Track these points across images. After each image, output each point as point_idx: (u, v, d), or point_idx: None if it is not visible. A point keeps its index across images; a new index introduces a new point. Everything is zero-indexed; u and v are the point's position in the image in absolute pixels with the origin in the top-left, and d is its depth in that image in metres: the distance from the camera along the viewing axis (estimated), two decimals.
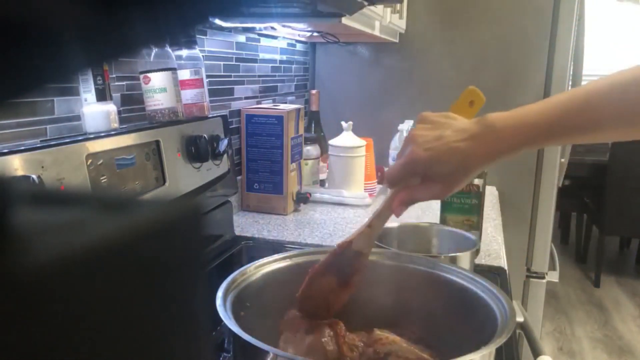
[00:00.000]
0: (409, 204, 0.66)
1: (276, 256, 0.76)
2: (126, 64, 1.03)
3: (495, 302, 0.65)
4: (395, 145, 1.73)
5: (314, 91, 1.75)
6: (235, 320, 0.57)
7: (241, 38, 1.50)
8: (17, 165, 0.69)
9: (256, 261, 0.74)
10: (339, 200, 1.58)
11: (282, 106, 1.50)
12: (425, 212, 1.53)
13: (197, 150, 1.09)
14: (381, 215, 0.68)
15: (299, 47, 1.96)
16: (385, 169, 1.83)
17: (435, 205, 1.52)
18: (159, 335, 0.16)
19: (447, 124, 0.66)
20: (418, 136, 0.65)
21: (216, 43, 1.37)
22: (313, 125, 1.75)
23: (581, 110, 0.63)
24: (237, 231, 1.33)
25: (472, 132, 0.64)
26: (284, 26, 1.45)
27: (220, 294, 0.63)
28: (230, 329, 0.55)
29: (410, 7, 1.90)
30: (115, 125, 0.92)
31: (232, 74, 1.47)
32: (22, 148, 0.71)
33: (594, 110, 0.63)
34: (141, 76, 1.02)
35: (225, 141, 1.18)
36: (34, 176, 0.69)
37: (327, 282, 0.69)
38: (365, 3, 1.11)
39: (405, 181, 0.66)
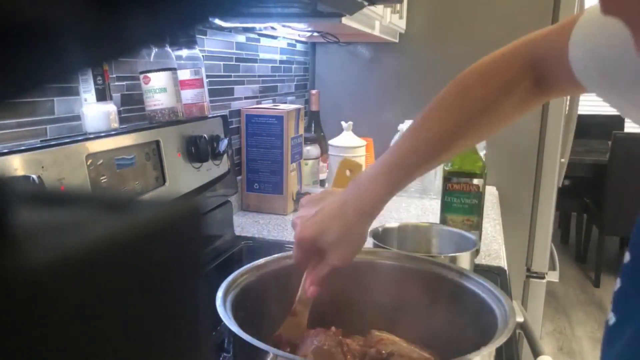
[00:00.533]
0: (321, 282, 0.68)
1: (276, 256, 0.76)
2: (126, 64, 1.03)
3: (495, 302, 0.65)
4: None
5: (314, 91, 1.75)
6: (235, 320, 0.57)
7: (241, 38, 1.50)
8: (17, 165, 0.69)
9: (256, 261, 0.74)
10: None
11: (282, 106, 1.50)
12: (425, 212, 1.53)
13: (197, 150, 1.09)
14: (301, 300, 0.70)
15: (299, 47, 1.96)
16: None
17: (435, 205, 1.52)
18: (158, 335, 0.16)
19: (323, 199, 0.69)
20: (300, 217, 0.69)
21: (216, 43, 1.37)
22: (313, 125, 1.75)
23: (412, 149, 0.68)
24: (237, 231, 1.33)
25: (345, 196, 0.67)
26: (284, 26, 1.45)
27: (220, 294, 0.63)
28: (230, 329, 0.55)
29: (410, 7, 1.90)
30: (115, 125, 0.92)
31: (232, 74, 1.47)
32: (22, 148, 0.71)
33: (447, 118, 0.68)
34: (141, 76, 1.02)
35: (225, 141, 1.18)
36: (34, 176, 0.69)
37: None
38: (365, 3, 1.11)
39: (307, 262, 0.69)
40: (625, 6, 0.35)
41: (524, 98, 0.67)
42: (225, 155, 1.21)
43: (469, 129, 0.68)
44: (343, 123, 1.63)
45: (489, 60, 0.70)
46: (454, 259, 0.91)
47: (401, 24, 1.83)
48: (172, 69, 1.03)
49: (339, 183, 0.74)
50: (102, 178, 0.83)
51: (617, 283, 0.55)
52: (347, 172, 0.74)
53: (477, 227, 1.13)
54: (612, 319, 0.54)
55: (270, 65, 1.72)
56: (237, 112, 1.48)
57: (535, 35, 0.68)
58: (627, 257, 0.55)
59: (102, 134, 0.87)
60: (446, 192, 1.14)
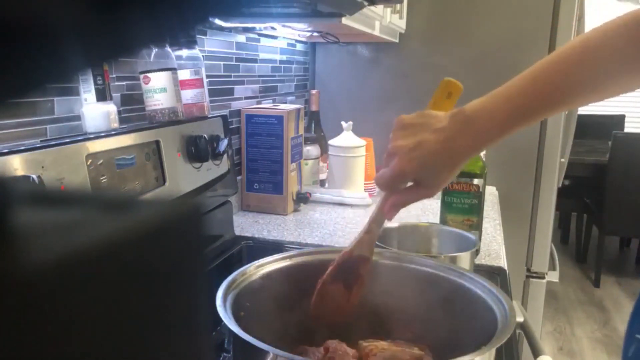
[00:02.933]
0: (401, 206, 0.68)
1: (276, 256, 0.76)
2: (126, 64, 1.03)
3: (495, 302, 0.65)
4: None
5: (314, 91, 1.75)
6: (235, 320, 0.57)
7: (241, 38, 1.50)
8: (17, 165, 0.69)
9: (256, 261, 0.74)
10: (339, 200, 1.58)
11: (282, 106, 1.50)
12: (425, 212, 1.53)
13: (197, 150, 1.09)
14: (377, 220, 0.70)
15: (299, 47, 1.96)
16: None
17: (435, 205, 1.52)
18: (159, 335, 0.16)
19: (424, 126, 0.66)
20: (399, 147, 0.66)
21: (216, 43, 1.37)
22: (313, 125, 1.75)
23: (553, 81, 0.64)
24: (237, 231, 1.33)
25: (450, 131, 0.65)
26: (284, 26, 1.45)
27: (220, 294, 0.63)
28: (230, 329, 0.55)
29: (410, 7, 1.90)
30: (115, 125, 0.92)
31: (232, 74, 1.47)
32: (22, 148, 0.71)
33: (567, 78, 0.64)
34: (141, 76, 1.02)
35: (225, 141, 1.18)
36: (34, 176, 0.69)
37: (336, 289, 0.71)
38: (365, 3, 1.11)
39: (395, 187, 0.68)
40: None
41: None
42: (225, 155, 1.21)
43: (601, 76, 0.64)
44: (343, 123, 1.63)
45: (615, 26, 0.63)
46: (454, 259, 0.91)
47: (401, 24, 1.83)
48: (172, 69, 1.03)
49: (437, 106, 0.71)
50: (102, 178, 0.83)
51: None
52: (448, 95, 0.72)
53: (477, 227, 1.13)
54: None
55: (270, 65, 1.72)
56: (237, 112, 1.48)
57: None
58: None
59: (102, 134, 0.87)
60: (446, 192, 1.14)
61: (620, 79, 0.66)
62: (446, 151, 0.64)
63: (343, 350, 0.66)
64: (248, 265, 0.72)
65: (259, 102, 1.64)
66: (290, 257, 0.77)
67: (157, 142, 0.99)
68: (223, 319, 0.57)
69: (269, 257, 0.75)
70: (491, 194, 1.79)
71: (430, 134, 0.65)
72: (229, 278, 0.67)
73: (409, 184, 0.68)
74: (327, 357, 0.65)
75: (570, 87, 0.65)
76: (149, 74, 1.01)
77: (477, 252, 1.06)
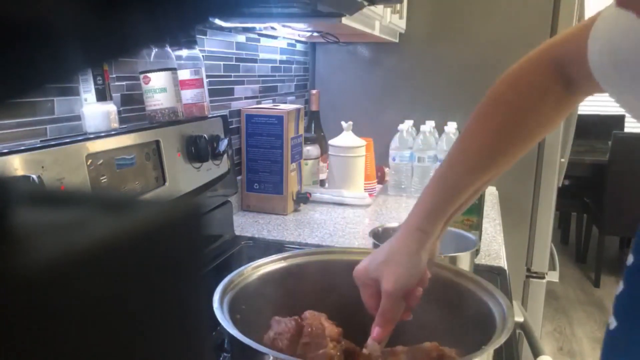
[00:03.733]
0: (384, 322, 0.66)
1: (273, 257, 0.76)
2: (126, 64, 1.03)
3: (494, 303, 0.65)
4: (396, 145, 1.73)
5: (314, 91, 1.75)
6: (232, 321, 0.57)
7: (241, 38, 1.50)
8: (17, 165, 0.69)
9: (253, 262, 0.73)
10: (339, 200, 1.58)
11: (282, 106, 1.50)
12: None
13: (197, 150, 1.09)
14: (368, 346, 0.66)
15: (299, 47, 1.96)
16: (387, 174, 1.83)
17: None
18: (159, 335, 0.16)
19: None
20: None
21: (216, 43, 1.37)
22: (313, 125, 1.75)
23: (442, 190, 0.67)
24: (237, 231, 1.33)
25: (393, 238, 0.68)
26: (284, 26, 1.45)
27: (217, 296, 0.62)
28: (227, 332, 0.55)
29: (410, 7, 1.90)
30: (115, 125, 0.92)
31: (232, 74, 1.47)
32: (22, 148, 0.71)
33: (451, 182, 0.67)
34: (141, 76, 1.02)
35: (225, 141, 1.18)
36: (34, 176, 0.69)
37: None
38: (365, 3, 1.11)
39: (372, 300, 0.67)
40: None
41: (558, 102, 0.66)
42: (225, 155, 1.21)
43: (507, 142, 0.66)
44: (343, 123, 1.63)
45: (517, 68, 0.68)
46: (454, 259, 0.91)
47: (401, 24, 1.83)
48: (172, 69, 1.03)
49: None
50: (102, 178, 0.83)
51: (620, 286, 0.55)
52: None
53: (477, 227, 1.13)
54: (613, 323, 0.54)
55: (270, 65, 1.72)
56: (237, 112, 1.48)
57: (557, 38, 0.67)
58: (630, 259, 0.54)
59: (102, 134, 0.87)
60: None
61: (536, 123, 0.67)
62: (388, 242, 0.67)
63: (317, 325, 0.64)
64: (245, 266, 0.72)
65: (259, 102, 1.64)
66: (286, 258, 0.76)
67: (157, 142, 0.99)
68: (220, 321, 0.57)
69: (266, 258, 0.75)
70: (491, 194, 1.79)
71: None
72: (226, 279, 0.67)
73: None
74: (302, 342, 0.63)
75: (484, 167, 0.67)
76: (149, 74, 1.01)
77: (477, 252, 1.06)
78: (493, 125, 0.65)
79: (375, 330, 0.64)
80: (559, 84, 0.65)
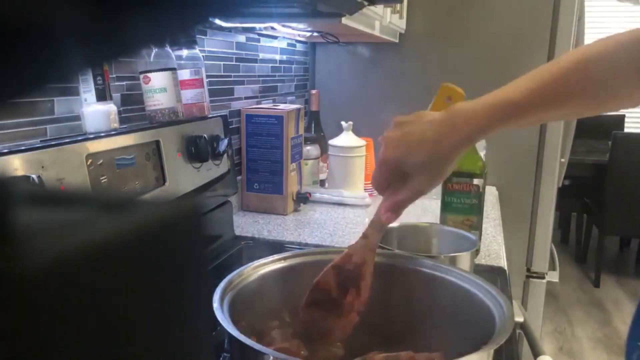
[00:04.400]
0: (397, 209, 0.67)
1: (274, 257, 0.76)
2: (126, 64, 1.03)
3: (494, 303, 0.65)
4: None
5: (314, 91, 1.75)
6: (232, 322, 0.57)
7: (241, 38, 1.50)
8: (17, 165, 0.69)
9: (253, 262, 0.73)
10: (339, 200, 1.58)
11: (282, 106, 1.50)
12: (425, 212, 1.53)
13: (197, 150, 1.09)
14: (374, 224, 0.69)
15: (299, 47, 1.96)
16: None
17: (435, 205, 1.52)
18: (159, 335, 0.16)
19: (415, 121, 0.68)
20: (387, 138, 0.67)
21: (216, 43, 1.37)
22: (313, 125, 1.75)
23: (555, 83, 0.65)
24: (237, 231, 1.33)
25: (439, 121, 0.66)
26: (284, 26, 1.45)
27: (217, 296, 0.62)
28: (227, 332, 0.55)
29: (410, 7, 1.90)
30: (115, 125, 0.92)
31: (232, 74, 1.47)
32: (22, 148, 0.71)
33: (567, 83, 0.65)
34: (141, 76, 1.02)
35: (225, 141, 1.18)
36: (34, 176, 0.69)
37: (329, 294, 0.69)
38: (365, 3, 1.11)
39: (387, 184, 0.67)
40: None
41: None
42: (225, 155, 1.21)
43: (590, 92, 0.65)
44: (343, 123, 1.63)
45: (608, 49, 0.66)
46: (454, 259, 0.91)
47: (401, 24, 1.83)
48: (172, 69, 1.03)
49: (437, 108, 0.72)
50: (102, 178, 0.83)
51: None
52: (447, 100, 0.72)
53: (477, 227, 1.13)
54: None
55: (270, 65, 1.72)
56: (237, 112, 1.48)
57: None
58: None
59: (102, 134, 0.87)
60: (446, 192, 1.14)
61: (619, 96, 0.67)
62: (433, 138, 0.65)
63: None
64: (245, 266, 0.72)
65: (259, 102, 1.64)
66: (286, 258, 0.76)
67: (157, 142, 0.99)
68: (220, 321, 0.57)
69: (266, 258, 0.75)
70: (491, 194, 1.79)
71: (418, 126, 0.66)
72: (226, 279, 0.67)
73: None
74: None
75: (566, 99, 0.66)
76: (149, 74, 1.01)
77: (477, 252, 1.06)
78: (581, 77, 0.65)
79: (387, 216, 0.67)
80: None
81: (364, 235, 0.70)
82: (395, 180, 0.67)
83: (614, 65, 0.65)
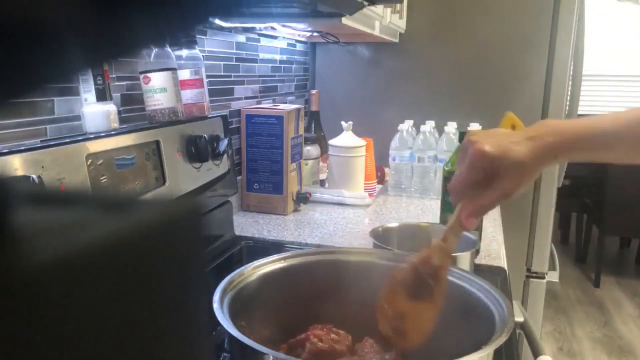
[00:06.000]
0: (481, 213, 0.66)
1: (273, 257, 0.76)
2: (126, 64, 1.03)
3: (494, 303, 0.65)
4: (396, 145, 1.72)
5: (314, 91, 1.75)
6: (232, 322, 0.57)
7: (241, 38, 1.50)
8: (17, 165, 0.69)
9: (253, 262, 0.73)
10: (339, 200, 1.58)
11: (282, 106, 1.50)
12: (425, 212, 1.53)
13: (197, 150, 1.09)
14: (453, 229, 0.67)
15: (299, 47, 1.96)
16: (387, 174, 1.83)
17: (435, 205, 1.52)
18: (159, 335, 0.16)
19: (500, 132, 0.67)
20: (477, 135, 0.65)
21: (216, 43, 1.37)
22: (313, 125, 1.75)
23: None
24: (237, 231, 1.33)
25: (532, 133, 0.65)
26: (284, 26, 1.45)
27: (217, 296, 0.62)
28: (227, 332, 0.55)
29: (410, 7, 1.90)
30: (115, 125, 0.92)
31: (232, 74, 1.47)
32: (22, 148, 0.71)
33: None
34: (141, 76, 1.02)
35: (225, 141, 1.18)
36: (34, 176, 0.69)
37: (403, 292, 0.68)
38: (365, 3, 1.11)
39: (474, 188, 0.65)
40: None
41: None
42: (225, 155, 1.21)
43: None
44: (343, 123, 1.63)
45: None
46: (454, 259, 0.91)
47: (401, 24, 1.83)
48: (172, 69, 1.03)
49: None
50: (102, 178, 0.83)
51: None
52: (511, 127, 0.72)
53: (477, 227, 1.13)
54: None
55: (270, 65, 1.72)
56: (237, 112, 1.48)
57: None
58: None
59: (102, 134, 0.87)
60: (446, 192, 1.14)
61: None
62: (526, 142, 0.63)
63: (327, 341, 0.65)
64: (245, 266, 0.72)
65: (259, 102, 1.64)
66: (287, 258, 0.76)
67: (157, 142, 0.99)
68: (220, 321, 0.57)
69: (266, 258, 0.75)
70: None
71: (507, 135, 0.66)
72: (226, 279, 0.67)
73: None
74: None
75: None
76: (149, 74, 1.01)
77: (477, 252, 1.06)
78: None
79: (470, 222, 0.65)
80: None
81: (444, 239, 0.67)
82: (474, 186, 0.65)
83: None
